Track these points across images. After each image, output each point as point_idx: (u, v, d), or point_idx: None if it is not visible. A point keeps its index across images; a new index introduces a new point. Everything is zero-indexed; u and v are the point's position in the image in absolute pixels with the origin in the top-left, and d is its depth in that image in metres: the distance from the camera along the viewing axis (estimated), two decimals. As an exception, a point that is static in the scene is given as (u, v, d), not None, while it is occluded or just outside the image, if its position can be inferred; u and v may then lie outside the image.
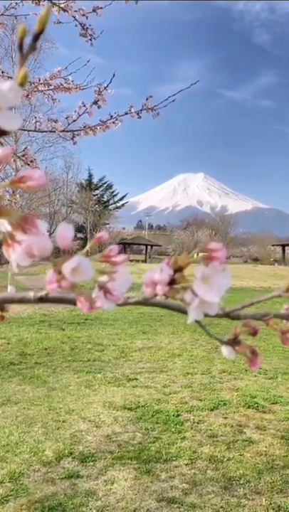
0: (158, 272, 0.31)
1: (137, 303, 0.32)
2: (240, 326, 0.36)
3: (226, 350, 0.36)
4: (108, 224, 42.94)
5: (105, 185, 45.21)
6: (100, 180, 45.22)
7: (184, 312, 0.31)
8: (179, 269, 0.31)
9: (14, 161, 2.44)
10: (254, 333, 0.35)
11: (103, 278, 0.31)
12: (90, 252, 0.33)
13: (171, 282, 0.31)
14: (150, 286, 0.31)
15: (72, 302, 0.31)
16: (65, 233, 0.29)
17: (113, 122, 2.01)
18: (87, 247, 0.33)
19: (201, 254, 0.31)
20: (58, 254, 0.28)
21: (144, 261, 36.85)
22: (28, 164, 2.41)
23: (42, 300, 0.31)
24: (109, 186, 45.42)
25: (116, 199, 45.96)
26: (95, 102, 1.99)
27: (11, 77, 2.35)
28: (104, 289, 0.30)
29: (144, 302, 0.32)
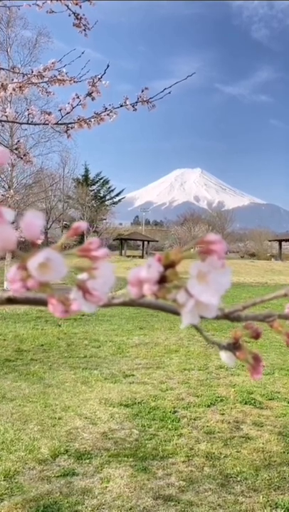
0: (145, 269, 0.26)
1: (123, 304, 0.28)
2: (241, 328, 0.32)
3: (225, 356, 0.32)
4: (105, 219, 42.83)
5: (102, 180, 45.07)
6: (97, 175, 45.08)
7: (179, 314, 0.27)
8: (170, 265, 0.27)
9: (11, 154, 2.38)
10: (256, 336, 0.31)
11: (82, 276, 0.27)
12: (69, 247, 0.29)
13: (162, 280, 0.27)
14: (136, 285, 0.27)
15: (45, 304, 0.27)
16: (33, 221, 0.25)
17: (108, 115, 1.96)
18: (62, 240, 0.29)
19: (197, 248, 0.27)
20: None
21: (141, 256, 36.84)
22: (22, 158, 2.36)
23: (11, 301, 0.27)
24: (106, 182, 45.29)
25: (113, 194, 45.86)
26: (89, 94, 1.94)
27: (2, 69, 2.30)
28: (83, 288, 0.26)
29: (131, 303, 0.28)
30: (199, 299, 0.26)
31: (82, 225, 0.28)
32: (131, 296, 0.27)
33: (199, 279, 0.26)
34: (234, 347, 0.31)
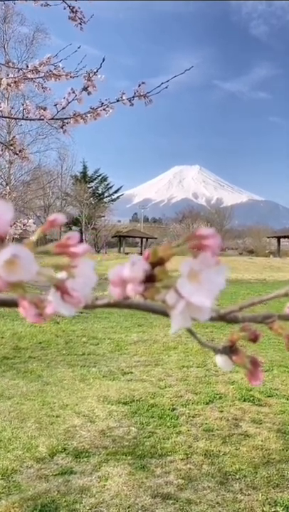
0: (128, 267, 0.24)
1: (108, 305, 0.26)
2: (238, 330, 0.29)
3: (221, 361, 0.29)
4: (103, 217, 42.78)
5: (100, 177, 44.95)
6: (95, 172, 44.96)
7: (169, 316, 0.25)
8: (159, 263, 0.24)
9: (7, 151, 2.35)
10: (255, 339, 0.29)
11: (60, 275, 0.24)
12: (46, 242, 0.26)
13: (150, 279, 0.24)
14: (119, 285, 0.24)
15: (16, 305, 0.24)
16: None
17: (104, 109, 1.93)
18: (36, 234, 0.26)
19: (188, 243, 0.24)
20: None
21: (140, 253, 36.71)
22: (17, 154, 2.33)
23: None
24: (104, 179, 45.18)
25: (111, 192, 45.76)
26: (85, 89, 1.91)
27: (-3, 63, 2.26)
28: (61, 289, 0.24)
29: (117, 304, 0.25)
30: (190, 300, 0.24)
31: (59, 217, 0.25)
32: (113, 298, 0.24)
33: (191, 278, 0.23)
34: (230, 351, 0.29)
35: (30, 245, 0.23)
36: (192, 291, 0.23)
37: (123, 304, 0.25)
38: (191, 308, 0.24)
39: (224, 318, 0.28)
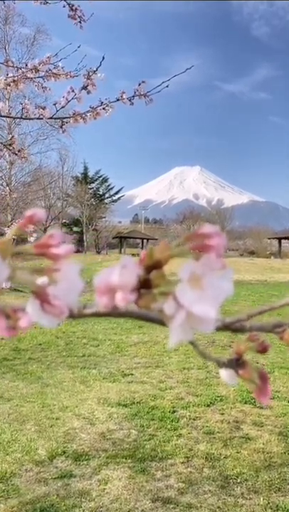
0: (117, 271, 0.21)
1: (95, 314, 0.22)
2: (245, 340, 0.26)
3: (225, 375, 0.26)
4: (104, 218, 42.78)
5: (101, 178, 44.93)
6: (96, 173, 44.94)
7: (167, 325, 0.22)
8: (156, 266, 0.21)
9: (7, 151, 2.33)
10: (263, 350, 0.26)
11: (40, 280, 0.21)
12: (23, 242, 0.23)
13: (144, 285, 0.21)
14: (106, 293, 0.21)
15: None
16: None
17: (103, 109, 1.90)
18: (12, 232, 0.22)
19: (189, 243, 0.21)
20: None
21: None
22: (16, 154, 2.31)
23: None
24: (105, 180, 45.16)
25: (112, 193, 45.74)
26: (84, 87, 1.88)
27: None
28: (41, 296, 0.21)
29: (108, 314, 0.22)
30: (192, 309, 0.20)
31: (39, 212, 0.22)
32: (98, 308, 0.21)
33: (192, 284, 0.20)
34: (236, 364, 0.26)
35: (3, 245, 0.19)
36: (194, 299, 0.20)
37: (114, 313, 0.22)
38: (192, 318, 0.21)
39: (230, 328, 0.25)
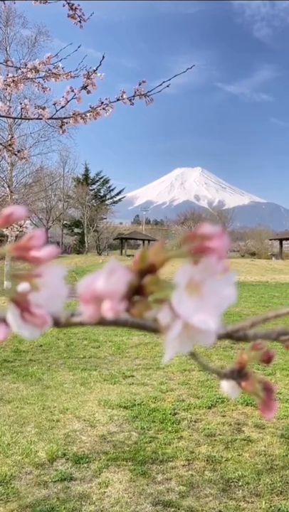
0: (104, 277, 0.18)
1: (83, 324, 0.21)
2: (248, 350, 0.25)
3: (227, 387, 0.24)
4: (105, 219, 42.79)
5: (102, 179, 44.98)
6: (97, 174, 44.98)
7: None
8: (150, 270, 0.19)
9: (7, 152, 2.31)
10: (268, 360, 0.24)
11: (21, 287, 0.19)
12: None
13: (137, 292, 0.19)
14: (91, 302, 0.19)
15: None
16: None
17: (103, 109, 1.89)
18: None
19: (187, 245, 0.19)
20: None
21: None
22: (16, 154, 2.29)
23: None
24: (106, 181, 45.20)
25: (113, 194, 45.77)
26: (84, 87, 1.87)
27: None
28: (21, 305, 0.19)
29: (99, 322, 0.20)
30: (189, 320, 0.18)
31: (17, 210, 0.20)
32: (83, 319, 0.19)
33: (190, 291, 0.18)
34: (239, 375, 0.24)
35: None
36: (192, 308, 0.18)
37: (105, 322, 0.20)
38: (190, 330, 0.19)
39: (232, 337, 0.23)
